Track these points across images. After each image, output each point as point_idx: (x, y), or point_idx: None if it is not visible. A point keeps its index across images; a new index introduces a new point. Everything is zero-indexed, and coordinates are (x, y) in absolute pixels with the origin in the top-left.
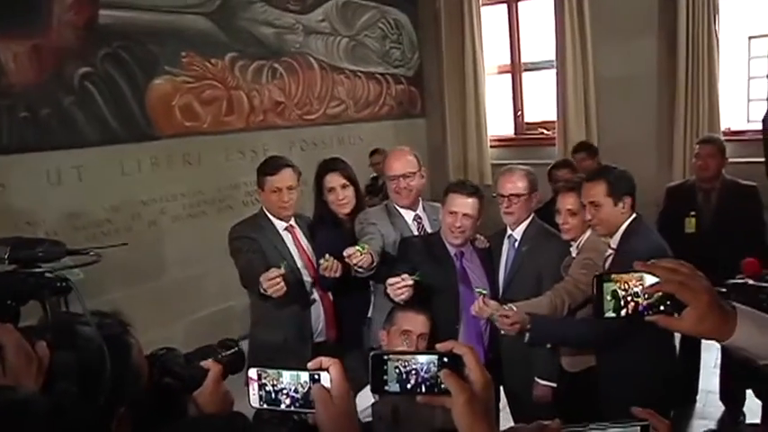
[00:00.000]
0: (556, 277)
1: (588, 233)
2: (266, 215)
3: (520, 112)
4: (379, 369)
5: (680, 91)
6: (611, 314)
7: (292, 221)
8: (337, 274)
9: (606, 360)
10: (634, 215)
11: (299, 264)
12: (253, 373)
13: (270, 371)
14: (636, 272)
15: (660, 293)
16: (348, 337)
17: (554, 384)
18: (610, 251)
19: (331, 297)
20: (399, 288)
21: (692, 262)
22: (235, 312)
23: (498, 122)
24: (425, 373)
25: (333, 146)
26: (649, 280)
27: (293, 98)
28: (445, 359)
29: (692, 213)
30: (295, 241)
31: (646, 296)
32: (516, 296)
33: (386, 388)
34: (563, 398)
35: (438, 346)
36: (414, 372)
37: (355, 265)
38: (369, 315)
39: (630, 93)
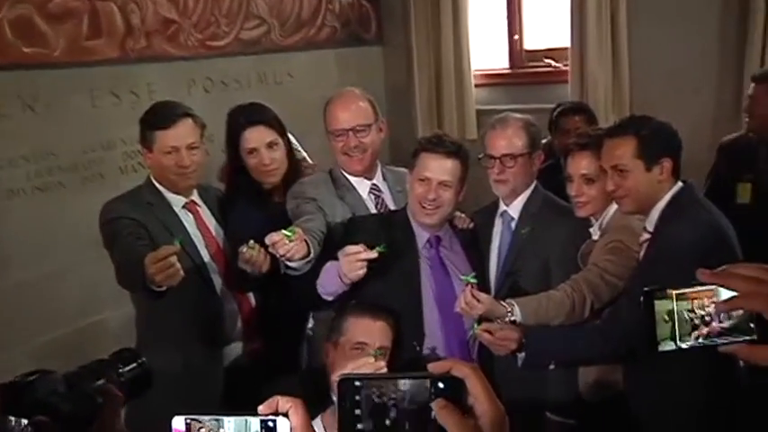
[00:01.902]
0: (570, 269)
1: (614, 207)
2: (155, 187)
3: (517, 36)
4: (350, 399)
5: (758, 2)
6: (669, 345)
7: (194, 196)
8: (264, 269)
9: (637, 382)
10: (680, 184)
11: (205, 255)
12: (179, 422)
13: (205, 419)
14: (703, 284)
15: (741, 313)
16: (278, 354)
17: (571, 421)
18: (645, 236)
19: (253, 300)
20: (359, 261)
21: (742, 242)
22: (108, 328)
23: (487, 50)
24: (410, 403)
25: (250, 85)
26: (725, 295)
27: (191, 15)
28: (440, 384)
29: (749, 177)
30: (199, 224)
31: (720, 318)
32: (515, 296)
33: (358, 426)
34: None
35: (431, 366)
36: (393, 402)
37: (282, 257)
38: (309, 324)
39: (681, 4)
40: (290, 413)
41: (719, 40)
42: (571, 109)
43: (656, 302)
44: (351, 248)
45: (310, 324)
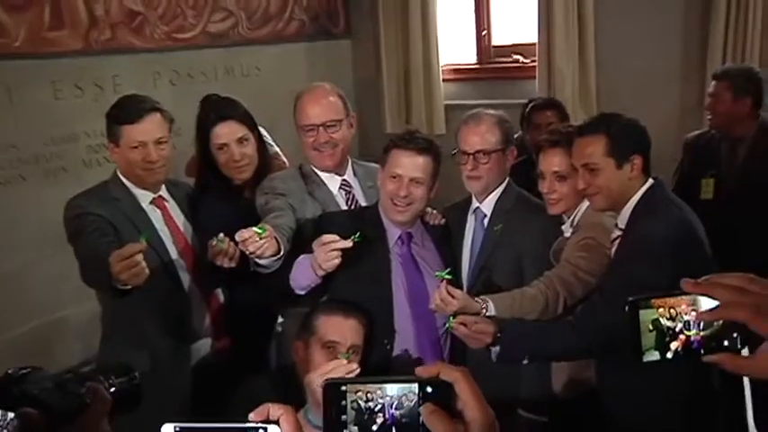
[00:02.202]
0: (542, 266)
1: (585, 205)
2: (122, 182)
3: (485, 31)
4: (336, 404)
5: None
6: (653, 355)
7: (163, 191)
8: (233, 264)
9: (609, 377)
10: (650, 181)
11: (173, 252)
12: (168, 430)
13: (195, 427)
14: (686, 294)
15: (724, 323)
16: (247, 351)
17: (545, 419)
18: (616, 233)
19: (221, 296)
20: (334, 250)
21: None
22: (71, 326)
23: (455, 46)
24: (397, 408)
25: (217, 78)
26: (706, 304)
27: (156, 7)
28: (429, 389)
29: (712, 173)
30: (166, 220)
31: (701, 327)
32: (488, 292)
33: None
34: None
35: (419, 370)
36: (380, 408)
37: (252, 254)
38: (279, 321)
39: (646, 0)
40: (280, 420)
41: (683, 36)
42: (543, 104)
43: (641, 312)
44: (326, 237)
45: (279, 320)
